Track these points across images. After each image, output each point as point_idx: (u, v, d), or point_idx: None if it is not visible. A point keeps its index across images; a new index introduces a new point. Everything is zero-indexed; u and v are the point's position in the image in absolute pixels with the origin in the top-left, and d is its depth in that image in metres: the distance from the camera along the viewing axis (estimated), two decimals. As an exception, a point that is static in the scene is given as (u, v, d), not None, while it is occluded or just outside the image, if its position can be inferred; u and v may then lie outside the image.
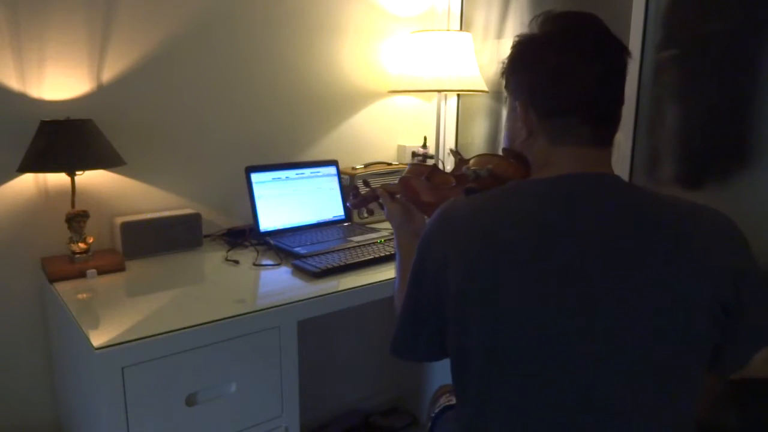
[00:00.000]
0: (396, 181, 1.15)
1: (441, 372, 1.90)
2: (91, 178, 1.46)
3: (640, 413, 0.73)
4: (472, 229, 0.77)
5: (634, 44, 1.49)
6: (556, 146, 0.80)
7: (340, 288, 1.26)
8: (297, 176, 1.70)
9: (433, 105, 2.07)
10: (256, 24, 1.68)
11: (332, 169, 1.78)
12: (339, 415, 2.00)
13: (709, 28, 1.36)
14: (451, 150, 1.19)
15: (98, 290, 1.25)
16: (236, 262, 1.44)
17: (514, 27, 1.86)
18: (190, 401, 1.08)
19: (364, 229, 1.68)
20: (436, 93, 1.95)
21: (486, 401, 0.78)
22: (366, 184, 1.37)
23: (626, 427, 0.73)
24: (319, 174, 1.75)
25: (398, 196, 1.16)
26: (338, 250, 1.45)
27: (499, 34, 1.92)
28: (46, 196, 1.42)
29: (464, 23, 2.04)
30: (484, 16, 1.96)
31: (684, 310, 0.71)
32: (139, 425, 1.02)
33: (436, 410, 1.20)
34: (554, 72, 0.78)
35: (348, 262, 1.37)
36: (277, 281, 1.32)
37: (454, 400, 1.15)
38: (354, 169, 1.84)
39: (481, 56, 1.95)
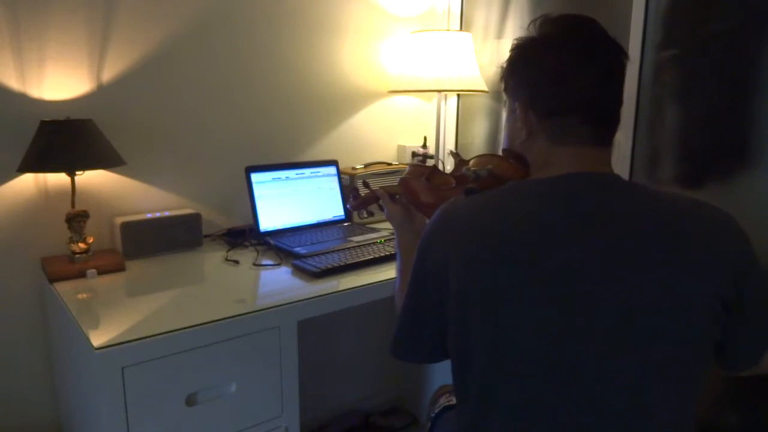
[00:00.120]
0: (396, 182, 1.15)
1: (441, 372, 1.90)
2: (91, 178, 1.46)
3: (640, 413, 0.73)
4: (472, 229, 0.77)
5: (634, 44, 1.49)
6: (556, 146, 0.81)
7: (340, 288, 1.26)
8: (297, 176, 1.70)
9: (433, 105, 2.08)
10: (256, 24, 1.68)
11: (332, 169, 1.78)
12: (339, 415, 2.00)
13: (709, 28, 1.36)
14: (451, 152, 1.19)
15: (98, 290, 1.25)
16: (236, 262, 1.44)
17: (514, 27, 1.86)
18: (190, 401, 1.08)
19: (364, 229, 1.68)
20: (436, 93, 1.95)
21: (486, 401, 0.78)
22: (366, 185, 1.37)
23: (627, 427, 0.73)
24: (319, 174, 1.75)
25: (398, 197, 1.16)
26: (338, 250, 1.45)
27: (499, 34, 1.92)
28: (46, 196, 1.42)
29: (464, 23, 2.04)
30: (484, 16, 1.96)
31: (684, 309, 0.72)
32: (139, 425, 1.02)
33: (436, 410, 1.20)
34: (554, 72, 0.79)
35: (348, 262, 1.37)
36: (277, 281, 1.32)
37: (454, 400, 1.15)
38: (354, 169, 1.84)
39: (481, 56, 1.95)
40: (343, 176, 1.81)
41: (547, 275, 0.72)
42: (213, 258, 1.48)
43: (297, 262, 1.38)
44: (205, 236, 1.61)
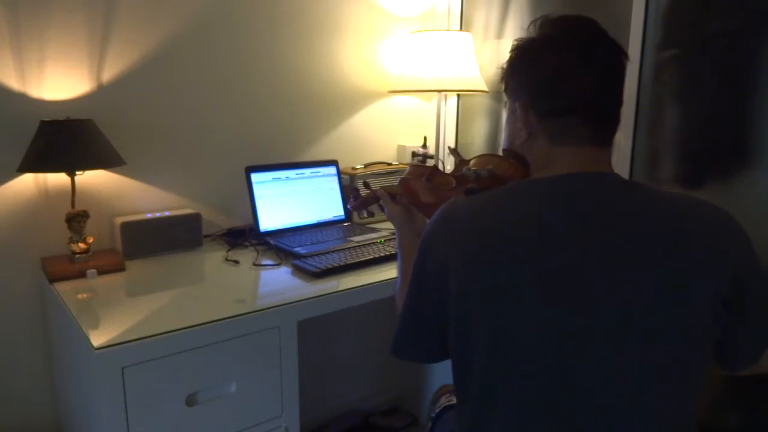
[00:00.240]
0: (396, 182, 1.15)
1: (441, 372, 1.90)
2: (91, 178, 1.46)
3: (641, 413, 0.73)
4: (473, 229, 0.77)
5: (634, 44, 1.49)
6: (556, 146, 0.81)
7: (340, 288, 1.26)
8: (297, 176, 1.70)
9: (433, 105, 2.08)
10: (256, 24, 1.68)
11: (332, 169, 1.78)
12: (339, 415, 2.00)
13: (709, 28, 1.36)
14: (450, 148, 1.19)
15: (98, 290, 1.25)
16: (236, 262, 1.44)
17: (514, 27, 1.86)
18: (190, 401, 1.08)
19: (364, 229, 1.68)
20: (436, 93, 1.95)
21: (487, 401, 0.78)
22: (366, 185, 1.37)
23: (627, 427, 0.73)
24: (319, 174, 1.75)
25: (399, 197, 1.16)
26: (338, 250, 1.45)
27: (499, 34, 1.92)
28: (46, 196, 1.42)
29: (464, 23, 2.04)
30: (484, 16, 1.97)
31: (684, 309, 0.72)
32: (139, 425, 1.02)
33: (437, 410, 1.21)
34: (554, 72, 0.79)
35: (348, 262, 1.37)
36: (277, 281, 1.32)
37: (454, 400, 1.15)
38: (354, 169, 1.84)
39: (481, 56, 1.95)
40: (343, 176, 1.81)
41: (547, 275, 0.72)
42: (213, 258, 1.48)
43: (297, 262, 1.38)
44: (205, 236, 1.61)
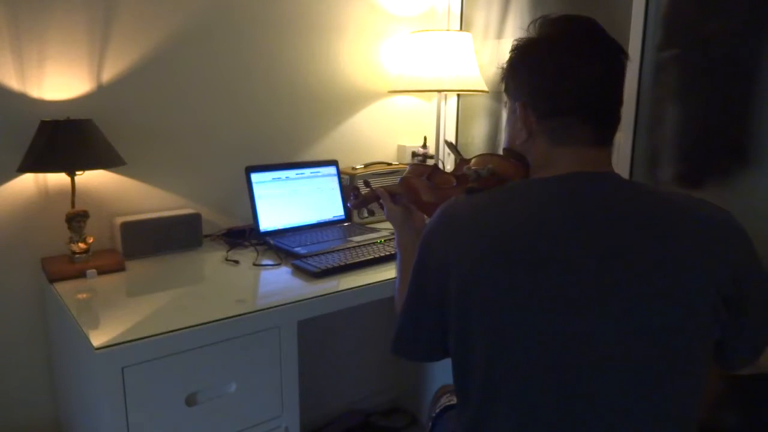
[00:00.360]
0: (396, 181, 1.15)
1: (441, 372, 1.90)
2: (91, 178, 1.46)
3: (641, 413, 0.73)
4: (473, 228, 0.77)
5: (634, 44, 1.49)
6: (557, 146, 0.81)
7: (340, 288, 1.26)
8: (297, 176, 1.70)
9: (433, 105, 2.07)
10: (256, 24, 1.68)
11: (332, 169, 1.78)
12: (339, 415, 2.00)
13: (709, 28, 1.36)
14: (446, 141, 1.19)
15: (98, 290, 1.25)
16: (236, 262, 1.44)
17: (514, 27, 1.86)
18: (190, 401, 1.08)
19: (364, 229, 1.68)
20: (436, 93, 1.95)
21: (487, 401, 0.78)
22: (366, 184, 1.37)
23: (628, 427, 0.73)
24: (319, 174, 1.75)
25: (399, 196, 1.16)
26: (338, 250, 1.45)
27: (499, 34, 1.92)
28: (46, 196, 1.41)
29: (464, 23, 2.04)
30: (484, 16, 1.97)
31: (685, 308, 0.72)
32: (139, 425, 1.02)
33: (437, 410, 1.20)
34: (553, 72, 0.79)
35: (348, 262, 1.37)
36: (277, 281, 1.32)
37: (454, 400, 1.15)
38: (354, 169, 1.84)
39: (481, 56, 1.95)
40: (343, 176, 1.81)
41: (547, 275, 0.72)
42: (213, 258, 1.48)
43: (297, 262, 1.38)
44: (205, 236, 1.61)
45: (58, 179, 1.41)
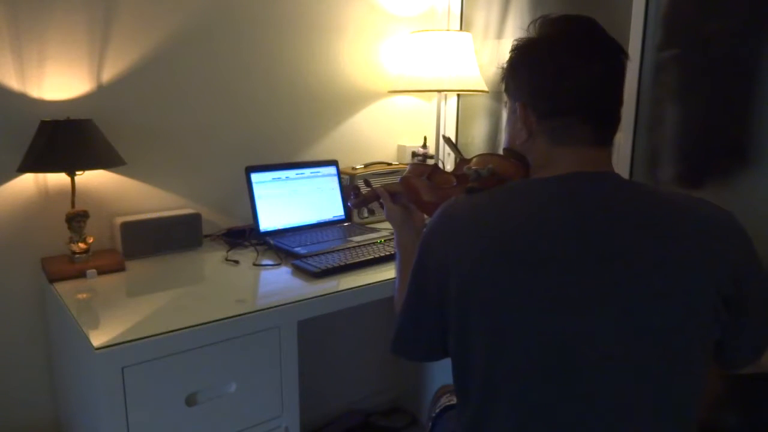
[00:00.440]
0: (397, 181, 1.15)
1: (441, 372, 1.90)
2: (91, 178, 1.46)
3: (642, 413, 0.73)
4: (474, 228, 0.77)
5: (634, 44, 1.49)
6: (557, 146, 0.81)
7: (340, 288, 1.26)
8: (297, 176, 1.70)
9: (433, 105, 2.07)
10: (256, 24, 1.68)
11: (332, 169, 1.78)
12: (339, 415, 2.00)
13: (709, 28, 1.36)
14: (444, 137, 1.19)
15: (98, 290, 1.25)
16: (236, 262, 1.44)
17: (514, 27, 1.86)
18: (190, 401, 1.08)
19: (364, 229, 1.68)
20: (436, 93, 1.95)
21: (487, 401, 0.78)
22: (367, 183, 1.37)
23: (628, 427, 0.73)
24: (319, 174, 1.75)
25: (399, 195, 1.16)
26: (338, 250, 1.45)
27: (499, 34, 1.92)
28: (46, 196, 1.41)
29: (464, 23, 2.04)
30: (484, 16, 1.97)
31: (685, 308, 0.72)
32: (139, 425, 1.02)
33: (437, 410, 1.20)
34: (553, 72, 0.79)
35: (348, 262, 1.37)
36: (277, 281, 1.32)
37: (454, 400, 1.15)
38: (354, 169, 1.84)
39: (481, 56, 1.95)
40: (343, 176, 1.81)
41: (547, 275, 0.72)
42: (213, 258, 1.48)
43: (297, 262, 1.38)
44: (205, 236, 1.61)
45: (58, 179, 1.41)
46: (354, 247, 1.49)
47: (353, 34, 1.88)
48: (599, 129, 0.80)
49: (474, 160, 1.00)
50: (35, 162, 1.29)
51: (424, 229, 0.84)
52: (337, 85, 1.88)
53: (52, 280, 1.29)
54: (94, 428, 1.10)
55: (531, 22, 0.83)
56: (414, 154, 1.97)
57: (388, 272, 1.35)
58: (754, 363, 0.83)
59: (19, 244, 1.39)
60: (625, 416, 0.73)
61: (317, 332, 1.86)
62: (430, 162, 1.92)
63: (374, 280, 1.30)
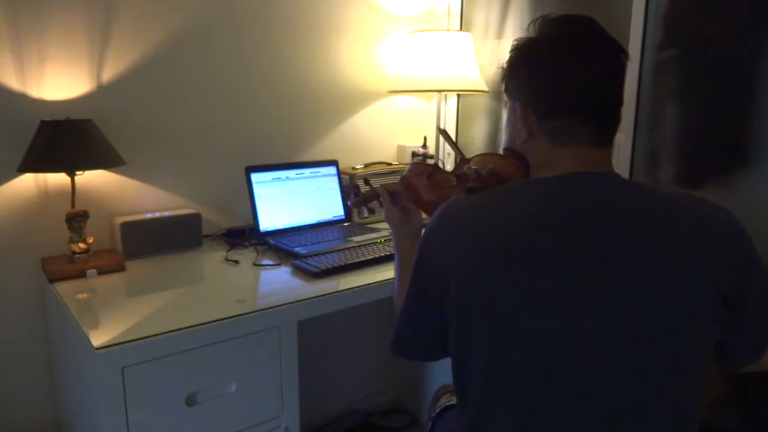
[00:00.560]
0: (396, 181, 1.15)
1: (441, 372, 1.90)
2: (91, 178, 1.46)
3: (642, 413, 0.73)
4: (474, 228, 0.77)
5: (634, 44, 1.49)
6: (557, 146, 0.81)
7: (340, 288, 1.26)
8: (297, 176, 1.70)
9: (433, 105, 2.08)
10: (256, 24, 1.68)
11: (332, 169, 1.78)
12: (339, 415, 2.00)
13: (709, 28, 1.36)
14: (441, 129, 1.19)
15: (98, 290, 1.25)
16: (236, 262, 1.44)
17: (514, 27, 1.86)
18: (190, 401, 1.08)
19: (364, 229, 1.68)
20: (436, 93, 1.95)
21: (487, 401, 0.78)
22: (367, 183, 1.37)
23: (628, 427, 0.73)
24: (319, 174, 1.75)
25: (399, 194, 1.16)
26: (338, 250, 1.45)
27: (499, 34, 1.92)
28: (46, 196, 1.41)
29: (464, 23, 2.04)
30: (484, 16, 1.97)
31: (685, 308, 0.72)
32: (139, 425, 1.02)
33: (437, 410, 1.20)
34: (553, 72, 0.79)
35: (348, 262, 1.37)
36: (277, 281, 1.32)
37: (454, 400, 1.15)
38: (354, 169, 1.84)
39: (481, 56, 1.95)
40: (343, 176, 1.81)
41: (547, 275, 0.72)
42: (213, 258, 1.48)
43: (297, 262, 1.38)
44: (205, 236, 1.61)
45: (58, 179, 1.41)
46: (354, 247, 1.49)
47: (353, 34, 1.88)
48: (599, 129, 0.80)
49: (474, 159, 1.00)
50: (35, 162, 1.29)
51: (424, 229, 0.84)
52: (337, 85, 1.88)
53: (52, 280, 1.29)
54: (94, 428, 1.10)
55: (531, 22, 0.83)
56: (414, 154, 1.97)
57: (388, 272, 1.35)
58: (755, 362, 0.83)
59: (19, 244, 1.39)
60: (625, 416, 0.73)
61: (317, 332, 1.86)
62: (430, 162, 1.92)
63: (374, 280, 1.30)
